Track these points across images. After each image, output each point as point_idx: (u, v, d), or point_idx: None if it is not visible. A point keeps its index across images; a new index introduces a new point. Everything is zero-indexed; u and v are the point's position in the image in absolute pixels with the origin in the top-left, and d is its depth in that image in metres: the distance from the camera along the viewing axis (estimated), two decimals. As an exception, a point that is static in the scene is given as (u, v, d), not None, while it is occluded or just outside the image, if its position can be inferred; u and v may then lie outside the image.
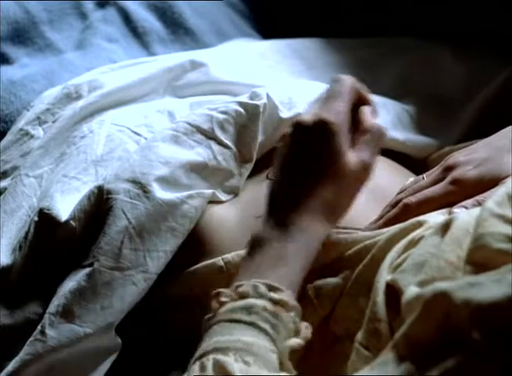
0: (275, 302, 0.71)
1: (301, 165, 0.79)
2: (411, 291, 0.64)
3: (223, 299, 0.73)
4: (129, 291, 0.87)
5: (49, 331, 0.86)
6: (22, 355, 0.86)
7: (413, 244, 0.74)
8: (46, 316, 0.87)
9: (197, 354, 0.70)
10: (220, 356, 0.68)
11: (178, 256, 0.90)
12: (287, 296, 0.72)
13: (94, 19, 1.29)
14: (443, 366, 0.57)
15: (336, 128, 0.78)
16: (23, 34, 1.24)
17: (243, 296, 0.72)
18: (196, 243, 0.92)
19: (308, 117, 0.80)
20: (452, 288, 0.58)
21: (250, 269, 0.75)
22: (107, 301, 0.87)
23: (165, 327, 0.93)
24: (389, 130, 1.05)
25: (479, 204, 0.78)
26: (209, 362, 0.68)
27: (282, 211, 0.78)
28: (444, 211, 0.80)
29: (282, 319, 0.71)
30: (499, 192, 0.68)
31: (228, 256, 0.88)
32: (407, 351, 0.60)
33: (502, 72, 1.15)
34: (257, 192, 0.95)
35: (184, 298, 0.91)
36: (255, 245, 0.77)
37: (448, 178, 0.84)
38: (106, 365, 0.88)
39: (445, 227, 0.71)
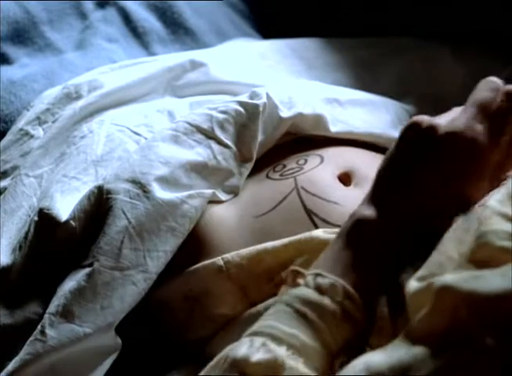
0: (346, 312, 0.69)
1: (437, 176, 0.74)
2: (412, 285, 0.64)
3: (299, 281, 0.71)
4: (129, 291, 0.87)
5: (49, 331, 0.86)
6: (22, 355, 0.86)
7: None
8: (46, 316, 0.87)
9: (253, 329, 0.69)
10: (273, 344, 0.66)
11: (178, 256, 0.90)
12: (360, 309, 0.70)
13: (94, 19, 1.29)
14: (450, 358, 0.58)
15: (490, 158, 0.74)
16: (23, 34, 1.24)
17: (319, 289, 0.70)
18: (195, 243, 0.91)
19: (464, 129, 0.73)
20: (457, 282, 0.59)
21: (339, 261, 0.72)
22: (107, 301, 0.87)
23: (165, 327, 0.93)
24: (389, 130, 1.05)
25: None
26: (259, 343, 0.67)
27: (399, 223, 0.73)
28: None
29: (345, 330, 0.69)
30: (500, 192, 0.68)
31: (228, 256, 0.88)
32: (421, 336, 0.60)
33: (502, 72, 1.15)
34: (257, 191, 0.95)
35: (184, 298, 0.91)
36: (356, 236, 0.73)
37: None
38: (106, 365, 0.88)
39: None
